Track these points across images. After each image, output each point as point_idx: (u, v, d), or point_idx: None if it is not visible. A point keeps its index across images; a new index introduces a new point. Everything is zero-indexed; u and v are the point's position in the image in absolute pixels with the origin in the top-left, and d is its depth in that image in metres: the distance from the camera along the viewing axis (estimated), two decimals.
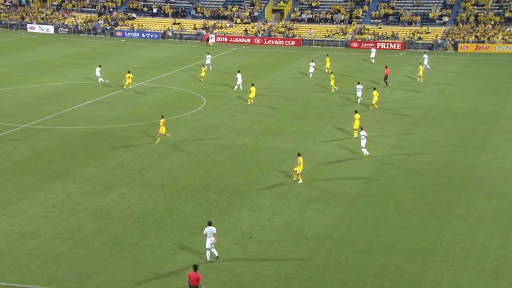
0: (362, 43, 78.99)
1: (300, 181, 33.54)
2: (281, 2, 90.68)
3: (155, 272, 24.53)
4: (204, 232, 25.35)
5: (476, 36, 75.83)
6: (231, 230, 28.04)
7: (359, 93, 49.87)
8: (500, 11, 79.37)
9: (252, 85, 51.24)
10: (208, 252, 25.31)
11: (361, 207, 30.67)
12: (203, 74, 59.43)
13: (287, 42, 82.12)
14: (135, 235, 27.55)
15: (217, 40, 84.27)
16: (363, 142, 37.33)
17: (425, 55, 63.15)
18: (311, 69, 60.27)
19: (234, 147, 39.85)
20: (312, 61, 61.55)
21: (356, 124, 40.64)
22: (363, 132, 37.41)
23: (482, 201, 30.98)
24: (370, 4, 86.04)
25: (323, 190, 32.76)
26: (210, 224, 25.45)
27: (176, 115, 47.03)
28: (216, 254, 25.38)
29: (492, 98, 51.85)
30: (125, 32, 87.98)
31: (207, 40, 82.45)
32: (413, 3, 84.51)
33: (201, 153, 38.53)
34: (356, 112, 41.74)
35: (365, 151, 37.46)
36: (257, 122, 45.44)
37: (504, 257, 25.40)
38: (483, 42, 74.78)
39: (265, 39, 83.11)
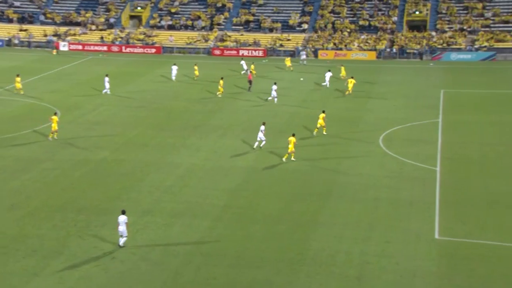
0: (225, 50, 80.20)
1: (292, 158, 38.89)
2: (139, 8, 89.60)
3: None
4: (118, 220, 27.58)
5: (334, 43, 79.86)
6: (91, 251, 27.18)
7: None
8: (355, 19, 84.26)
9: (222, 78, 56.11)
10: (125, 238, 27.55)
11: (228, 219, 31.03)
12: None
13: (147, 50, 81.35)
14: None
15: (71, 48, 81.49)
16: (261, 136, 41.04)
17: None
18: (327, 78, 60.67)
19: (93, 162, 38.78)
20: (329, 70, 61.62)
21: (319, 123, 44.33)
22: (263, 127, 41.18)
23: (345, 208, 32.57)
24: (231, 11, 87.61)
25: (189, 203, 32.78)
26: (123, 213, 27.74)
27: (26, 129, 44.75)
28: (121, 244, 27.48)
29: (351, 104, 54.69)
30: None
31: (55, 48, 79.93)
32: (273, 10, 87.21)
33: (56, 170, 37.03)
34: (323, 112, 44.81)
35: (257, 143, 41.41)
36: (118, 135, 44.51)
37: (367, 262, 26.86)
38: (341, 49, 78.89)
39: (123, 47, 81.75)
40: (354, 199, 33.68)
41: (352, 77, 57.60)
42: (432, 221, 30.67)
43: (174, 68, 63.64)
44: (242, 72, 65.79)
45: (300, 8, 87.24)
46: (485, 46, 75.54)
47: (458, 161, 39.42)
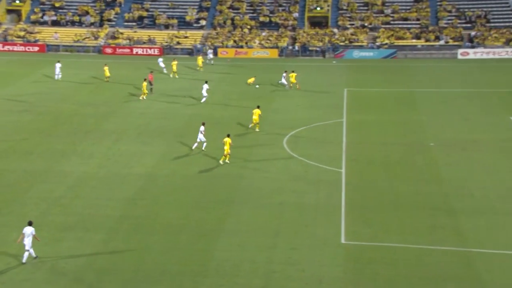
0: (117, 49, 78.92)
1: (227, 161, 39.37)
2: (17, 1, 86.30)
3: None
4: (23, 231, 26.79)
5: (235, 41, 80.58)
6: None
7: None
8: (255, 15, 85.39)
9: (145, 80, 55.71)
10: (26, 253, 26.69)
11: (125, 231, 30.66)
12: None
13: (28, 48, 78.98)
14: None
15: None
16: (201, 137, 41.54)
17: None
18: (283, 80, 61.25)
19: None
20: (286, 71, 61.53)
21: (255, 119, 46.15)
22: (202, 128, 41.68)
23: (249, 214, 32.96)
24: (122, 6, 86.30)
25: (81, 215, 32.14)
26: (30, 224, 27.06)
27: None
28: (23, 260, 26.77)
29: (254, 105, 55.27)
30: None
31: None
32: (168, 5, 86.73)
33: None
34: (258, 107, 46.86)
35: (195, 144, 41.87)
36: None
37: (272, 271, 27.30)
38: (241, 47, 79.72)
39: (0, 45, 78.71)
40: (258, 204, 34.15)
41: (293, 71, 60.14)
42: (338, 225, 31.65)
43: (58, 66, 62.06)
44: (167, 72, 64.85)
45: (197, 3, 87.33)
46: (386, 44, 78.86)
47: (362, 162, 40.89)
